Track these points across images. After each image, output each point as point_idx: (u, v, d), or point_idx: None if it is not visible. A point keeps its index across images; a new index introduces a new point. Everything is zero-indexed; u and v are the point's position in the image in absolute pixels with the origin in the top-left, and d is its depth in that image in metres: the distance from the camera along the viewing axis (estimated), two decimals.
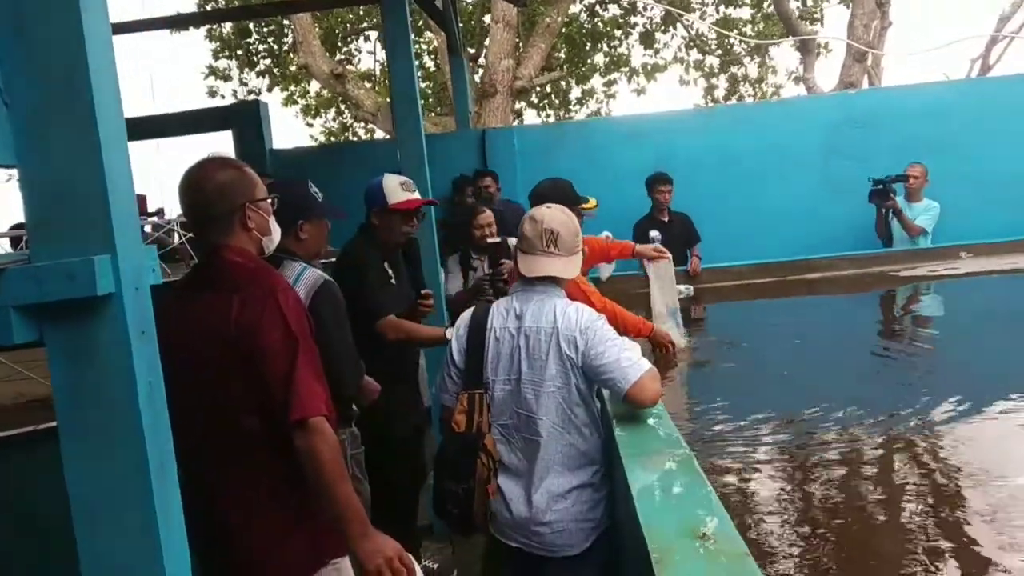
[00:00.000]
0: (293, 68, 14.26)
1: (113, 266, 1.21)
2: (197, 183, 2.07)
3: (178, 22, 9.90)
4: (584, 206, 3.71)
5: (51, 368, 1.24)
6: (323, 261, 3.22)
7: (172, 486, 1.28)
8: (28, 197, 1.23)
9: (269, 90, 15.12)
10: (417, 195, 3.55)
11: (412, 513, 3.68)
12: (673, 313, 3.97)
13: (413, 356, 3.81)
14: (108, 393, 1.22)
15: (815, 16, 13.92)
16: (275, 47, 14.39)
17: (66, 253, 1.21)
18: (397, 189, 3.48)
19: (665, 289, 4.02)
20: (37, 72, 1.21)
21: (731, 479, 2.60)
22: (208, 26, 13.79)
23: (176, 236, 5.95)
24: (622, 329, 3.39)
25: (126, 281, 1.23)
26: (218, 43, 14.33)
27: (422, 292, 3.67)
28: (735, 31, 13.00)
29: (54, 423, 2.85)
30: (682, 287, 4.68)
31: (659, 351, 3.62)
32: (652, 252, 4.16)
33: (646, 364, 2.42)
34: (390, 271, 3.54)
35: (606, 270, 5.29)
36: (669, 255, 4.17)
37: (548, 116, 16.04)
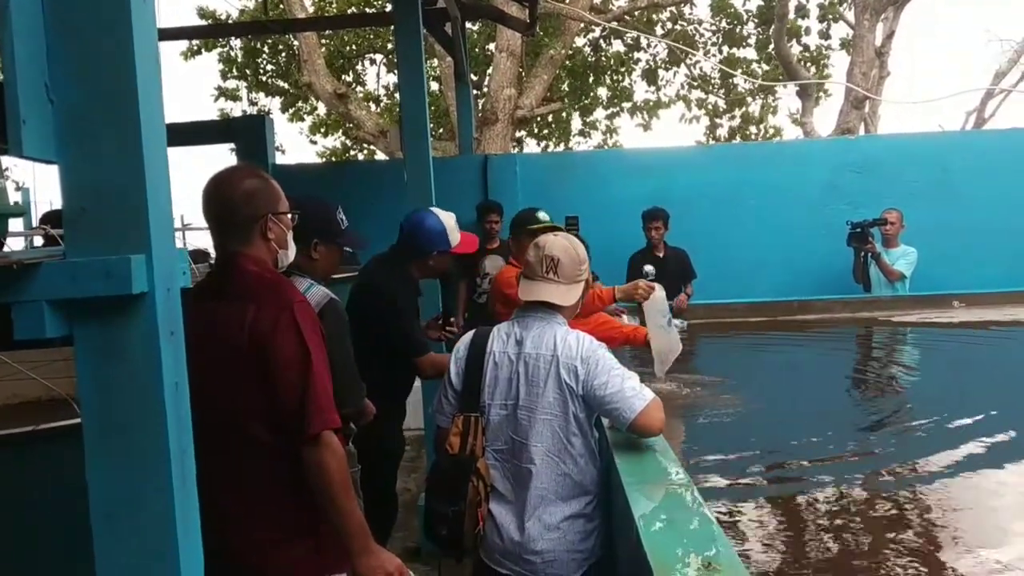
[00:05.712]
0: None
1: (148, 266, 1.22)
2: (224, 188, 2.09)
3: (190, 34, 9.97)
4: (535, 227, 3.67)
5: (78, 364, 1.24)
6: (343, 276, 3.20)
7: (191, 487, 1.29)
8: (67, 194, 1.24)
9: (283, 111, 15.18)
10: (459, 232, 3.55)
11: (393, 520, 3.75)
12: (669, 323, 3.76)
13: (411, 377, 3.82)
14: (135, 391, 1.23)
15: (817, 60, 14.11)
16: (283, 65, 14.47)
17: (102, 251, 1.22)
18: (455, 230, 3.46)
19: (658, 316, 3.73)
20: (85, 73, 1.22)
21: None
22: (220, 49, 13.87)
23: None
24: (620, 338, 3.53)
25: (159, 281, 1.24)
26: (226, 64, 14.40)
27: (451, 320, 3.68)
28: (739, 70, 13.16)
29: (50, 424, 2.85)
30: (677, 321, 4.62)
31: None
32: (637, 291, 3.67)
33: (649, 393, 2.42)
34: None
35: None
36: (656, 287, 3.74)
37: (548, 146, 16.15)
